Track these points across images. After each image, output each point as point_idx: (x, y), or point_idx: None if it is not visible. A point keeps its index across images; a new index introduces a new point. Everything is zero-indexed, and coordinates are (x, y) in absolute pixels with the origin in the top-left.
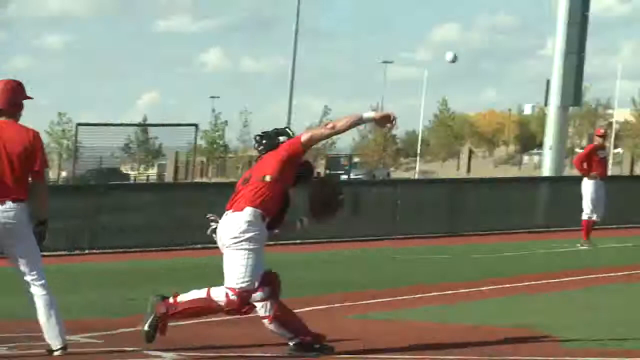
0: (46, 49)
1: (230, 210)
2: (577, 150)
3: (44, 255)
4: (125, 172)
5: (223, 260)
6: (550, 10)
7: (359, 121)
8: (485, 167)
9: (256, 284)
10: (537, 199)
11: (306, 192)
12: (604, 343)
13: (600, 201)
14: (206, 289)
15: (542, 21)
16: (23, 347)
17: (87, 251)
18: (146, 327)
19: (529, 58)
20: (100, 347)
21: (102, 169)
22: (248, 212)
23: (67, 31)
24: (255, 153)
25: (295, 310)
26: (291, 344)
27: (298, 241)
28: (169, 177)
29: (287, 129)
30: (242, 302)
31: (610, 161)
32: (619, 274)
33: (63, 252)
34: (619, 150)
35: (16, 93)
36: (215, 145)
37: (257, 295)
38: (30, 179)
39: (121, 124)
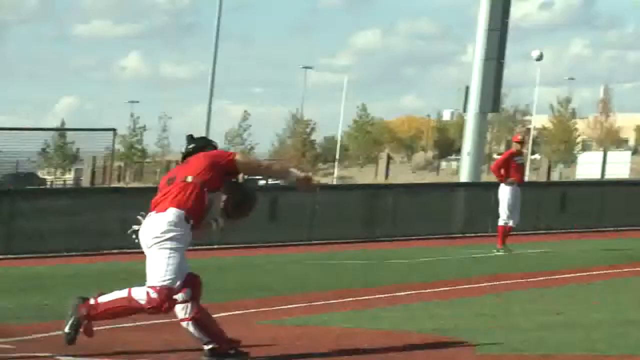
0: None
1: (154, 212)
2: (495, 156)
3: None
4: (42, 176)
5: (146, 261)
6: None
7: (286, 174)
8: (403, 173)
9: (180, 284)
10: (455, 205)
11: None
12: (520, 348)
13: (516, 207)
14: (127, 289)
15: (462, 27)
16: None
17: (1, 256)
18: (67, 329)
19: (449, 64)
20: (12, 353)
21: (18, 174)
22: (171, 213)
23: None
24: (175, 158)
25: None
26: (206, 348)
27: (215, 246)
28: (86, 182)
29: (214, 143)
30: (164, 300)
31: (528, 167)
32: (535, 279)
33: None
34: (537, 156)
35: None
36: (133, 150)
37: (180, 295)
38: None
39: (38, 129)
